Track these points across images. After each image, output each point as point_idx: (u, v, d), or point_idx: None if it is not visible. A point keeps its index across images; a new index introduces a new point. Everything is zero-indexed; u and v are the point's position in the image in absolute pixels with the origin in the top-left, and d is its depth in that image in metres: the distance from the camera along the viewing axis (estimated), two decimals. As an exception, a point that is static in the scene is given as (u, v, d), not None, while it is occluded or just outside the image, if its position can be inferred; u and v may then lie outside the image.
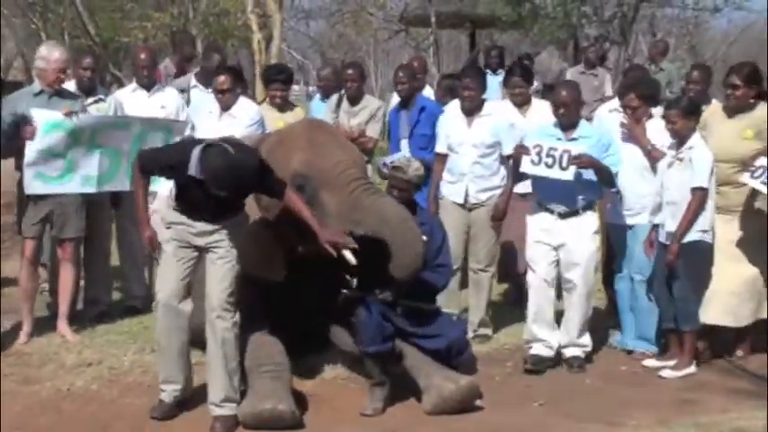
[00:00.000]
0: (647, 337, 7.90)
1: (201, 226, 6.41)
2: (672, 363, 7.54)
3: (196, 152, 6.04)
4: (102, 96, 8.70)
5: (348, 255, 6.39)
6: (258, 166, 6.23)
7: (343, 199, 6.59)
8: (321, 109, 9.87)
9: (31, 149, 7.88)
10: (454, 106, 8.52)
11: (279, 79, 9.22)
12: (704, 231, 7.38)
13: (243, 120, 8.71)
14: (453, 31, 30.57)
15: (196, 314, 6.50)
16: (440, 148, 8.45)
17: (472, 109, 8.29)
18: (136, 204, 6.55)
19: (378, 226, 6.51)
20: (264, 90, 9.69)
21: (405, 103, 9.26)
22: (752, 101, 7.61)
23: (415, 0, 24.72)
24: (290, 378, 6.63)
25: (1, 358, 7.53)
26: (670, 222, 7.41)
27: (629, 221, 7.88)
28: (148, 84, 9.15)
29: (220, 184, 6.03)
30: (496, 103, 8.87)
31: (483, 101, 8.37)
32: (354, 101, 9.30)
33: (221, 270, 6.40)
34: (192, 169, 6.11)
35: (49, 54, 8.12)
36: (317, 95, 10.72)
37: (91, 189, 8.17)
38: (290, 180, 6.58)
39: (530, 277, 7.76)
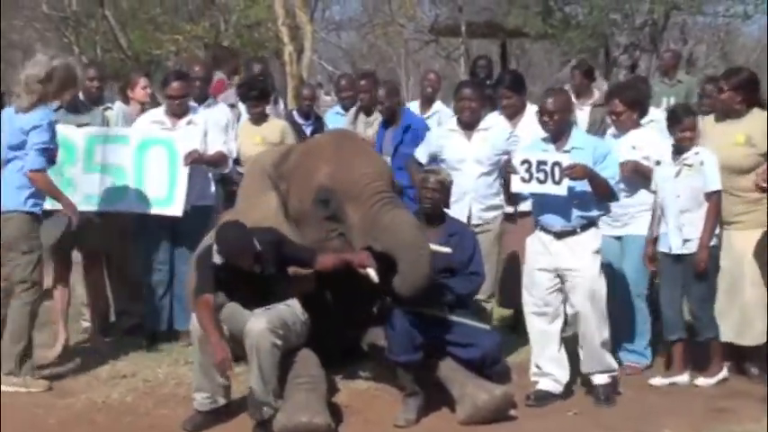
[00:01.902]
0: (639, 350, 7.72)
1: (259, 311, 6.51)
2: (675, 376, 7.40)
3: (207, 241, 6.21)
4: (109, 105, 8.72)
5: (372, 273, 6.40)
6: (275, 237, 6.54)
7: (365, 213, 6.62)
8: (337, 120, 9.83)
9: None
10: (499, 119, 8.35)
11: (252, 96, 9.00)
12: (717, 236, 7.25)
13: (201, 126, 8.55)
14: (484, 41, 30.53)
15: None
16: (422, 157, 8.14)
17: (472, 123, 7.92)
18: (206, 329, 6.32)
19: (390, 244, 6.51)
20: (295, 100, 9.60)
21: (389, 121, 8.97)
22: (738, 107, 7.41)
23: (446, 10, 24.68)
24: (326, 390, 6.62)
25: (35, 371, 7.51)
26: (687, 230, 7.14)
27: (616, 233, 7.68)
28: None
29: (236, 252, 6.33)
30: (491, 116, 8.48)
31: (482, 114, 8.07)
32: (369, 111, 9.17)
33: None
34: (216, 257, 6.42)
35: None
36: (336, 107, 10.65)
37: (92, 208, 8.09)
38: (315, 193, 6.63)
39: (527, 309, 7.27)
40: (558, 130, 7.09)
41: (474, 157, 7.79)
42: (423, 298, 6.74)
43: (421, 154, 8.15)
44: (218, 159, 8.48)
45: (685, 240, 7.18)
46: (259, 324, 6.31)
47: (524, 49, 29.47)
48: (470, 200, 7.80)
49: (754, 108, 7.45)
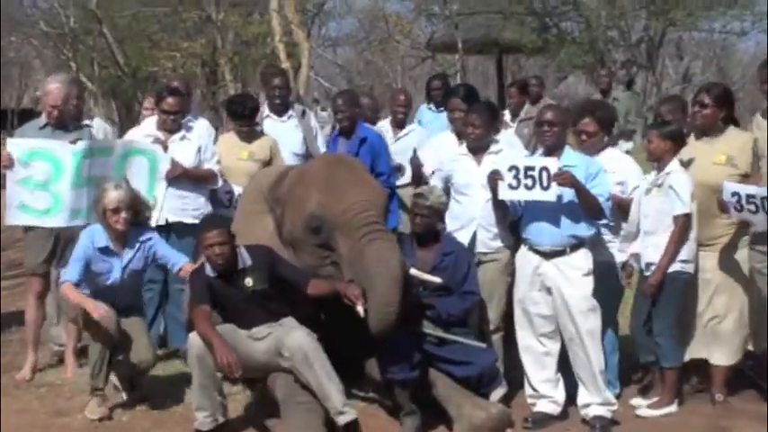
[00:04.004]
0: (610, 379, 7.20)
1: (257, 331, 6.55)
2: (653, 400, 7.19)
3: (203, 259, 6.47)
4: (87, 122, 8.67)
5: (359, 306, 6.30)
6: (268, 254, 6.59)
7: (352, 245, 6.52)
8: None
9: (12, 180, 7.82)
10: (448, 139, 8.11)
11: (242, 114, 8.82)
12: (685, 261, 6.90)
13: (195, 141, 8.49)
14: (480, 57, 30.61)
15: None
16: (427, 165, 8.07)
17: (480, 147, 7.48)
18: (209, 337, 6.31)
19: (366, 286, 6.38)
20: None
21: (345, 132, 8.72)
22: (720, 123, 7.18)
23: (442, 27, 24.76)
24: (324, 410, 6.52)
25: (32, 390, 7.52)
26: (650, 252, 6.93)
27: None
28: (281, 108, 9.21)
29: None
30: (503, 136, 8.14)
31: (492, 137, 7.60)
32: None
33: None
34: (209, 269, 6.49)
35: (47, 89, 8.07)
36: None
37: (81, 222, 7.93)
38: (307, 221, 6.61)
39: (520, 332, 7.13)
40: (555, 143, 6.94)
41: (482, 181, 7.20)
42: (418, 317, 6.72)
43: (426, 162, 8.14)
44: (208, 176, 8.44)
45: (648, 264, 6.98)
46: (301, 332, 6.40)
47: (520, 65, 29.52)
48: (477, 226, 7.39)
49: (730, 126, 7.24)
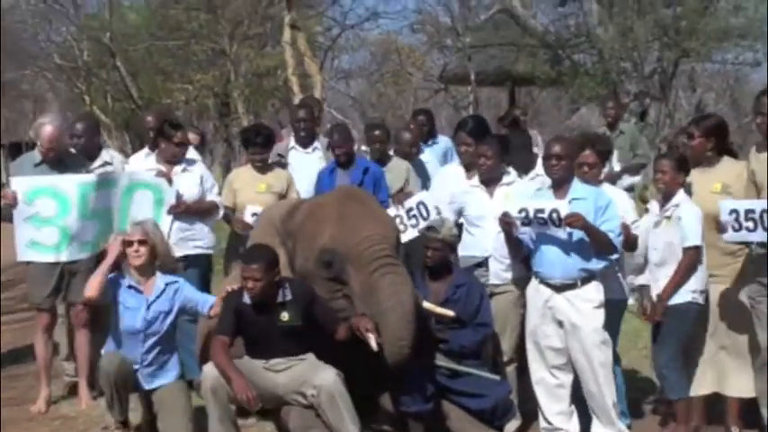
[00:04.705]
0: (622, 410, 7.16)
1: (276, 363, 6.55)
2: None
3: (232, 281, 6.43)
4: (107, 160, 8.72)
5: (371, 340, 6.29)
6: (309, 291, 6.58)
7: (364, 279, 6.50)
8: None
9: (19, 218, 7.88)
10: (456, 172, 8.14)
11: (257, 142, 8.80)
12: (695, 292, 6.85)
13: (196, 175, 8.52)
14: (493, 89, 30.64)
15: None
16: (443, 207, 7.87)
17: (491, 179, 7.53)
18: (225, 369, 6.31)
19: (377, 313, 6.39)
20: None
21: (342, 165, 8.73)
22: (709, 153, 7.13)
23: (455, 59, 24.80)
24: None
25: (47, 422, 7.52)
26: (662, 285, 6.89)
27: None
28: (306, 140, 9.22)
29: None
30: (451, 166, 8.34)
31: (503, 168, 7.62)
32: (346, 165, 8.77)
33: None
34: (246, 297, 6.47)
35: (40, 130, 8.03)
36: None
37: (88, 254, 8.05)
38: (319, 254, 6.61)
39: (533, 365, 7.11)
40: (563, 176, 6.93)
41: (494, 213, 7.17)
42: (432, 350, 6.72)
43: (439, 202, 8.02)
44: (211, 208, 8.47)
45: (659, 296, 6.93)
46: (330, 372, 6.38)
47: (533, 97, 29.56)
48: (489, 258, 7.42)
49: (724, 156, 7.22)
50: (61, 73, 29.17)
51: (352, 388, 6.46)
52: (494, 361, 7.35)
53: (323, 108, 13.73)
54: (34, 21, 28.61)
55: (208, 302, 7.03)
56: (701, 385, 7.14)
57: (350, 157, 8.76)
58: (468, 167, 7.92)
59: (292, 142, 9.40)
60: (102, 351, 6.94)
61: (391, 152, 9.12)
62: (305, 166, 9.15)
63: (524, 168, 7.91)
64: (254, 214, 8.25)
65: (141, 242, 6.96)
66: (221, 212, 8.55)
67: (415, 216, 8.03)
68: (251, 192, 8.63)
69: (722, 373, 7.13)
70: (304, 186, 8.84)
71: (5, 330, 9.08)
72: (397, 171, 8.80)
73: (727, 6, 20.03)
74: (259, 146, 8.80)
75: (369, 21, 28.71)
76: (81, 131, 8.65)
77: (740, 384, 7.12)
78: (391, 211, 7.95)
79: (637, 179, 11.62)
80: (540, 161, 7.74)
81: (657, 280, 6.95)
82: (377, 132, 9.11)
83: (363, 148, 10.06)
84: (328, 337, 6.49)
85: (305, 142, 9.36)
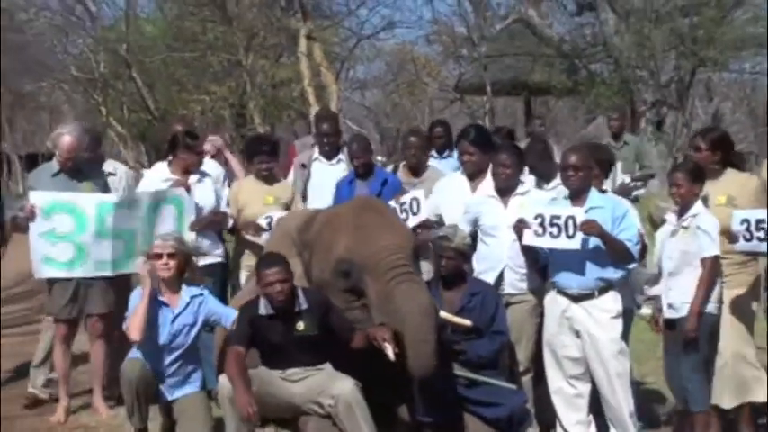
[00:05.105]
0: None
1: (292, 373, 6.53)
2: None
3: (248, 291, 6.45)
4: (111, 171, 8.77)
5: (388, 350, 6.22)
6: (325, 301, 6.53)
7: (381, 288, 6.44)
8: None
9: (34, 233, 7.91)
10: (459, 182, 8.04)
11: (264, 151, 8.80)
12: (712, 302, 6.79)
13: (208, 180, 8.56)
14: (509, 99, 30.65)
15: None
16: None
17: (508, 189, 7.49)
18: (233, 382, 6.28)
19: (399, 327, 6.32)
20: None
21: (362, 175, 8.76)
22: (716, 166, 7.17)
23: (470, 69, 24.82)
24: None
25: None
26: (673, 294, 6.84)
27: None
28: (330, 152, 9.22)
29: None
30: (455, 175, 8.24)
31: (519, 178, 7.62)
32: (365, 176, 8.78)
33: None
34: (262, 307, 6.45)
35: (59, 140, 8.11)
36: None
37: (106, 273, 8.10)
38: (336, 265, 6.59)
39: (550, 374, 7.12)
40: (580, 186, 6.93)
41: (509, 223, 7.20)
42: (449, 359, 6.73)
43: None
44: (222, 220, 8.49)
45: (670, 305, 6.91)
46: (348, 382, 6.37)
47: (549, 107, 29.57)
48: (505, 268, 7.39)
49: (728, 168, 7.25)
50: (78, 85, 29.29)
51: (369, 398, 6.43)
52: (510, 370, 7.35)
53: (339, 120, 13.73)
54: (51, 33, 28.72)
55: (231, 316, 6.98)
56: (722, 398, 7.09)
57: (368, 167, 8.79)
58: (472, 177, 7.92)
59: (316, 153, 9.38)
60: (126, 358, 6.95)
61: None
62: (329, 177, 9.10)
63: (546, 177, 7.94)
64: (267, 217, 8.25)
65: (171, 255, 6.97)
66: (230, 223, 8.55)
67: (405, 211, 8.01)
68: (258, 205, 8.57)
69: (740, 383, 7.09)
70: (327, 197, 8.83)
71: (24, 342, 9.10)
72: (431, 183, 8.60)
73: (744, 16, 20.03)
74: (266, 155, 8.78)
75: (384, 31, 28.72)
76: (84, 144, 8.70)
77: (756, 390, 7.11)
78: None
79: (642, 191, 11.57)
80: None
81: (670, 289, 6.91)
82: (412, 139, 9.00)
83: (379, 158, 10.06)
84: (344, 347, 6.46)
85: (329, 155, 9.32)
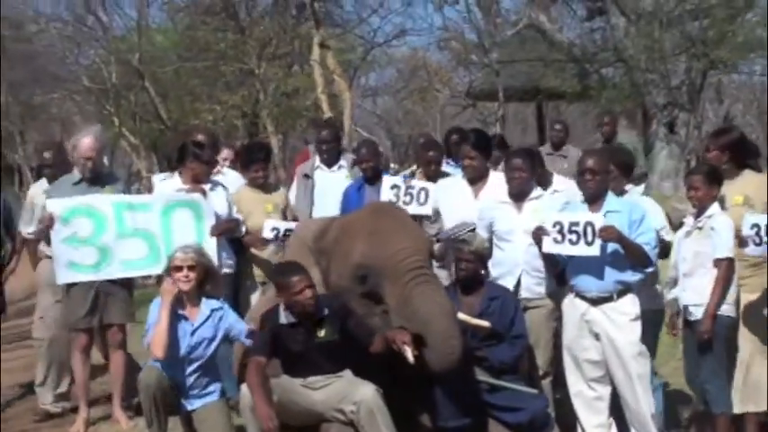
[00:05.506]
0: (659, 428, 7.05)
1: (314, 380, 6.55)
2: None
3: (265, 302, 6.49)
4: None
5: (408, 352, 6.20)
6: (344, 306, 6.55)
7: (399, 291, 6.48)
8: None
9: (56, 240, 7.92)
10: (459, 185, 8.09)
11: (260, 159, 8.87)
12: (728, 304, 6.84)
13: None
14: (520, 104, 30.63)
15: None
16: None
17: (522, 193, 7.53)
18: (254, 393, 6.32)
19: (420, 329, 6.32)
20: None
21: (370, 180, 8.84)
22: (726, 166, 7.19)
23: (482, 75, 24.82)
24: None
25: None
26: (689, 295, 6.91)
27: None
28: (330, 159, 9.26)
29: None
30: (455, 179, 8.31)
31: (533, 184, 7.64)
32: (373, 181, 8.86)
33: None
34: (282, 317, 6.49)
35: (78, 142, 8.16)
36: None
37: (134, 273, 8.21)
38: (354, 270, 6.61)
39: (570, 378, 7.16)
40: (597, 190, 6.95)
41: (524, 227, 7.32)
42: (470, 365, 6.77)
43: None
44: (235, 226, 8.48)
45: (686, 306, 6.97)
46: (369, 388, 6.36)
47: (560, 111, 29.55)
48: (522, 272, 7.45)
49: (745, 170, 7.30)
50: (90, 95, 29.37)
51: (391, 404, 6.43)
52: (529, 375, 7.37)
53: (342, 127, 13.78)
54: (62, 44, 28.81)
55: (245, 329, 7.07)
56: (743, 403, 7.12)
57: (377, 172, 8.83)
58: (472, 181, 7.98)
59: (317, 162, 9.45)
60: (144, 366, 6.98)
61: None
62: (331, 184, 9.22)
63: (540, 185, 7.89)
64: (273, 228, 8.28)
65: (191, 267, 6.98)
66: (243, 229, 8.54)
67: (411, 195, 8.09)
68: (260, 215, 8.60)
69: (748, 389, 7.11)
70: (331, 204, 8.88)
71: (34, 355, 9.15)
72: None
73: (754, 18, 20.02)
74: (263, 162, 8.89)
75: (396, 38, 28.76)
76: (50, 160, 8.84)
77: (755, 399, 7.12)
78: (391, 180, 8.16)
79: (640, 189, 11.63)
80: (555, 178, 8.00)
81: (684, 290, 6.97)
82: (431, 153, 8.87)
83: (392, 165, 10.09)
84: (364, 352, 6.48)
85: (329, 162, 9.41)
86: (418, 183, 8.18)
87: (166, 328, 6.77)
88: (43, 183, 8.78)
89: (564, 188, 7.90)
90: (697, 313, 6.85)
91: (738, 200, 7.13)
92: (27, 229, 8.74)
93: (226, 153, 9.86)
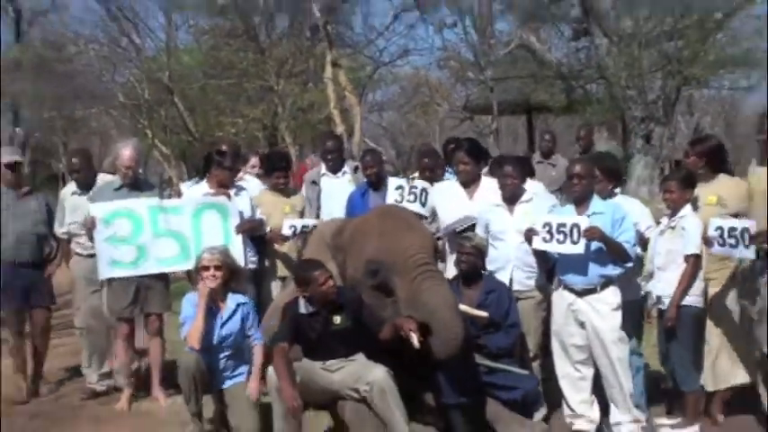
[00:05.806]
0: (637, 403, 7.20)
1: (331, 363, 6.67)
2: (676, 421, 7.31)
3: (286, 293, 6.56)
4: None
5: (413, 338, 6.27)
6: (358, 297, 6.65)
7: (408, 284, 6.59)
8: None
9: (98, 240, 8.06)
10: (455, 188, 8.13)
11: (282, 167, 9.07)
12: (695, 296, 7.05)
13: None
14: (511, 117, 30.66)
15: None
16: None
17: (513, 197, 7.64)
18: (280, 377, 6.43)
19: (426, 313, 6.43)
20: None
21: (375, 186, 8.84)
22: (702, 171, 7.33)
23: (477, 90, 24.87)
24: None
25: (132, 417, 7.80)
26: (661, 287, 7.10)
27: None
28: (335, 167, 9.32)
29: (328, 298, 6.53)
30: (449, 182, 8.42)
31: (524, 188, 7.74)
32: (377, 186, 8.87)
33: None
34: (302, 307, 6.58)
35: (120, 153, 8.32)
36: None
37: (168, 269, 8.31)
38: (366, 265, 6.72)
39: (558, 361, 7.34)
40: (583, 194, 7.09)
41: (515, 228, 7.46)
42: (471, 350, 6.87)
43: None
44: (259, 225, 8.56)
45: (659, 297, 7.15)
46: (381, 370, 6.48)
47: (548, 123, 29.59)
48: (513, 267, 7.57)
49: (721, 174, 7.41)
50: (125, 110, 29.36)
51: (398, 385, 6.54)
52: (521, 358, 7.49)
53: (343, 140, 13.80)
54: (100, 64, 28.84)
55: (259, 337, 7.30)
56: (706, 382, 7.31)
57: (380, 178, 8.89)
58: (466, 184, 8.05)
59: (323, 169, 9.50)
60: (183, 352, 7.10)
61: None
62: (336, 189, 9.25)
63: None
64: (291, 226, 8.38)
65: (217, 267, 7.12)
66: (268, 228, 8.62)
67: (414, 194, 8.18)
68: (279, 215, 8.70)
69: (719, 371, 7.29)
70: (337, 207, 8.98)
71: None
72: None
73: (724, 38, 20.10)
74: (284, 169, 9.05)
75: (400, 58, 28.79)
76: (77, 165, 8.86)
77: (733, 374, 7.29)
78: (396, 182, 8.30)
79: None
80: (529, 184, 7.99)
81: (658, 282, 7.14)
82: (426, 160, 8.94)
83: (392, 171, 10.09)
84: (376, 338, 6.57)
85: (334, 169, 9.44)
86: (420, 183, 8.28)
87: (202, 323, 6.94)
88: (71, 185, 8.89)
89: (535, 191, 7.97)
90: (668, 303, 7.02)
91: (712, 200, 7.26)
92: (60, 229, 8.85)
93: (254, 161, 10.02)
